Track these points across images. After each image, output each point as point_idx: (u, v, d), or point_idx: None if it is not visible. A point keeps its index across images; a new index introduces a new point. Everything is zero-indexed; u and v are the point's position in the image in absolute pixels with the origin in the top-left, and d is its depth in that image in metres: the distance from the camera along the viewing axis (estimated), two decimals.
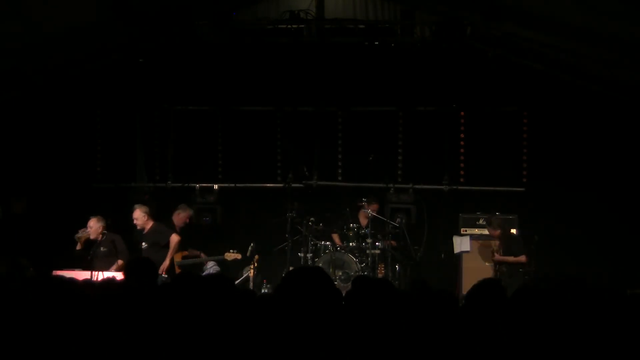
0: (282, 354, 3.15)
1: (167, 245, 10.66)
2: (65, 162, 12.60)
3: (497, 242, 11.27)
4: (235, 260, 11.21)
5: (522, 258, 11.03)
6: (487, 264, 11.44)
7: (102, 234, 10.49)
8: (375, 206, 11.91)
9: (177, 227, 11.26)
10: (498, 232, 11.29)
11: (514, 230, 11.95)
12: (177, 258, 10.95)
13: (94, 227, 10.57)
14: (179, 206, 11.60)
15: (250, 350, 3.29)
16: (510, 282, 9.87)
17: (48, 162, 12.51)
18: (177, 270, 10.64)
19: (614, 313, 3.99)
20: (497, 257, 11.18)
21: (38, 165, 12.45)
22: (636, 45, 9.75)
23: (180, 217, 11.45)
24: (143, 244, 10.73)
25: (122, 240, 10.63)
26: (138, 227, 10.80)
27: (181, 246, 11.04)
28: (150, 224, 10.81)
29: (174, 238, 10.70)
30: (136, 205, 10.95)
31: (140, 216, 10.78)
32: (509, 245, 11.20)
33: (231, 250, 11.22)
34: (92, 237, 10.51)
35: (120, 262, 10.33)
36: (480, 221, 11.92)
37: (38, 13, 9.74)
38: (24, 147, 12.44)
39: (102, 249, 10.50)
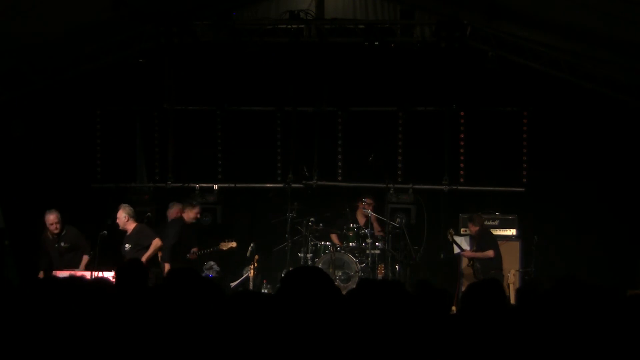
0: (282, 354, 3.15)
1: (149, 248, 10.56)
2: (65, 162, 12.60)
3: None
4: (231, 249, 11.15)
5: (489, 253, 11.29)
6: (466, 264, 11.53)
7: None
8: (370, 201, 11.87)
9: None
10: (477, 228, 11.53)
11: (513, 231, 11.99)
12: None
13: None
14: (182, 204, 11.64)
15: (250, 350, 3.29)
16: (483, 278, 10.01)
17: (48, 162, 12.50)
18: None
19: (614, 313, 3.99)
20: (468, 252, 11.46)
21: (38, 166, 12.44)
22: (635, 46, 9.75)
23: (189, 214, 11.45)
24: (126, 245, 10.58)
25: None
26: (120, 227, 10.64)
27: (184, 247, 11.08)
28: (132, 225, 10.62)
29: (156, 242, 10.59)
30: (120, 205, 10.77)
31: (121, 216, 10.61)
32: (481, 242, 11.42)
33: (226, 240, 11.21)
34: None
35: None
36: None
37: (38, 13, 9.76)
38: (24, 147, 12.43)
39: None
